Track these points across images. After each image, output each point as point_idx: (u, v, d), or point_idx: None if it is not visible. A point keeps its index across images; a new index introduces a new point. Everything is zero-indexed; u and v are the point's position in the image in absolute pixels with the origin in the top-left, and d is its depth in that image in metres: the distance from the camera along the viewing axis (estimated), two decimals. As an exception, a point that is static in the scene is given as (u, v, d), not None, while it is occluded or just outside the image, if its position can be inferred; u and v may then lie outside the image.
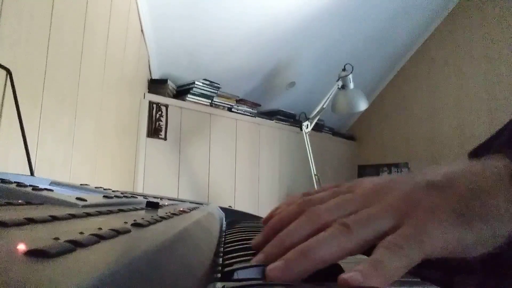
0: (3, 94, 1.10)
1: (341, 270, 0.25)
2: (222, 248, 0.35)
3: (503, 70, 2.96)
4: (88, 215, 0.29)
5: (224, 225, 0.61)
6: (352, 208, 0.28)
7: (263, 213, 0.48)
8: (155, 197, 0.78)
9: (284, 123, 3.03)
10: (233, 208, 0.94)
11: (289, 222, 0.29)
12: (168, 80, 2.34)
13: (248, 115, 2.77)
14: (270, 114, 2.98)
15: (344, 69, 2.55)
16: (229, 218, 0.74)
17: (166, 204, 0.58)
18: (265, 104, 2.97)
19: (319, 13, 2.55)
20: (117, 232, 0.20)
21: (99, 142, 1.65)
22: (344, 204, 0.29)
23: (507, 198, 0.24)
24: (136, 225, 0.25)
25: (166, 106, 2.30)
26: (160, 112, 2.26)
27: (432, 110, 3.34)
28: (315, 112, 2.54)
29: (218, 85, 2.51)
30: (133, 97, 2.08)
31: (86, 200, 0.38)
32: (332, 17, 2.64)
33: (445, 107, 3.26)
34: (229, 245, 0.36)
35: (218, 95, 2.56)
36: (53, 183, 0.67)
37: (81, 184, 0.71)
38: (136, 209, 0.41)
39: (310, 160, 2.54)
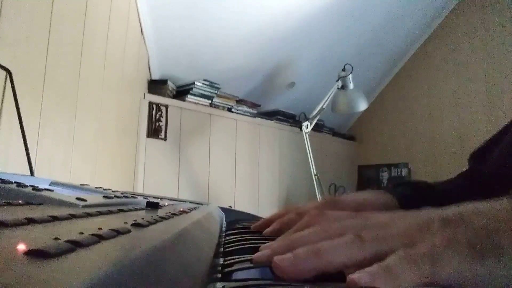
0: (3, 94, 1.10)
1: (341, 273, 0.25)
2: (222, 249, 0.35)
3: (503, 70, 2.96)
4: (88, 215, 0.29)
5: (224, 225, 0.61)
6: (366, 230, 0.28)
7: (263, 213, 0.48)
8: (155, 197, 0.78)
9: (284, 123, 3.03)
10: (233, 208, 0.94)
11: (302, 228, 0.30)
12: (168, 81, 2.34)
13: (248, 116, 2.77)
14: (270, 114, 2.98)
15: (344, 69, 2.55)
16: (229, 218, 0.74)
17: (166, 204, 0.58)
18: (265, 104, 2.97)
19: (319, 13, 2.55)
20: (117, 232, 0.20)
21: (99, 142, 1.65)
22: (359, 226, 0.29)
23: None
24: (136, 225, 0.25)
25: (166, 107, 2.30)
26: (160, 113, 2.26)
27: (432, 110, 3.34)
28: (315, 112, 2.54)
29: (218, 86, 2.51)
30: (133, 98, 2.08)
31: (86, 200, 0.38)
32: (332, 17, 2.64)
33: (445, 107, 3.26)
34: (229, 245, 0.36)
35: (218, 96, 2.56)
36: (53, 183, 0.67)
37: (81, 184, 0.71)
38: (136, 209, 0.41)
39: (310, 160, 2.54)
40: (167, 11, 2.09)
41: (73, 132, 1.45)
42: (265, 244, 0.30)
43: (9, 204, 0.30)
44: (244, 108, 2.75)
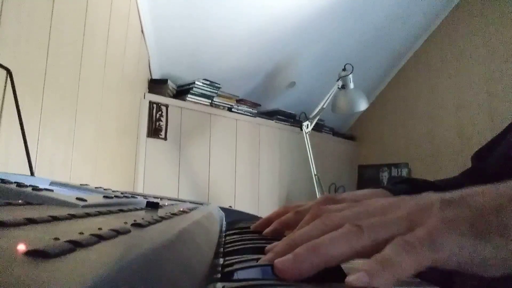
0: (3, 94, 1.10)
1: (342, 273, 0.25)
2: (222, 249, 0.35)
3: (503, 70, 2.95)
4: (88, 215, 0.29)
5: (224, 225, 0.61)
6: (366, 218, 0.28)
7: (263, 213, 0.48)
8: (155, 197, 0.78)
9: (284, 123, 3.03)
10: (233, 208, 0.94)
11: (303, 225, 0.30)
12: (168, 80, 2.34)
13: (248, 115, 2.77)
14: (270, 114, 2.98)
15: (344, 69, 2.55)
16: (229, 218, 0.74)
17: (166, 204, 0.58)
18: (265, 104, 2.97)
19: (319, 13, 2.55)
20: (117, 232, 0.20)
21: (99, 142, 1.65)
22: (359, 214, 0.29)
23: None
24: (136, 225, 0.25)
25: (166, 106, 2.30)
26: (160, 112, 2.26)
27: (432, 110, 3.33)
28: (315, 112, 2.54)
29: (218, 85, 2.51)
30: (133, 97, 2.08)
31: (86, 200, 0.38)
32: (332, 17, 2.64)
33: (445, 107, 3.26)
34: (229, 245, 0.36)
35: (218, 95, 2.56)
36: (53, 183, 0.67)
37: (81, 184, 0.71)
38: (136, 209, 0.41)
39: (310, 160, 2.54)
40: (168, 11, 2.09)
41: (73, 132, 1.45)
42: (269, 246, 0.30)
43: (9, 204, 0.30)
44: (244, 107, 2.75)
